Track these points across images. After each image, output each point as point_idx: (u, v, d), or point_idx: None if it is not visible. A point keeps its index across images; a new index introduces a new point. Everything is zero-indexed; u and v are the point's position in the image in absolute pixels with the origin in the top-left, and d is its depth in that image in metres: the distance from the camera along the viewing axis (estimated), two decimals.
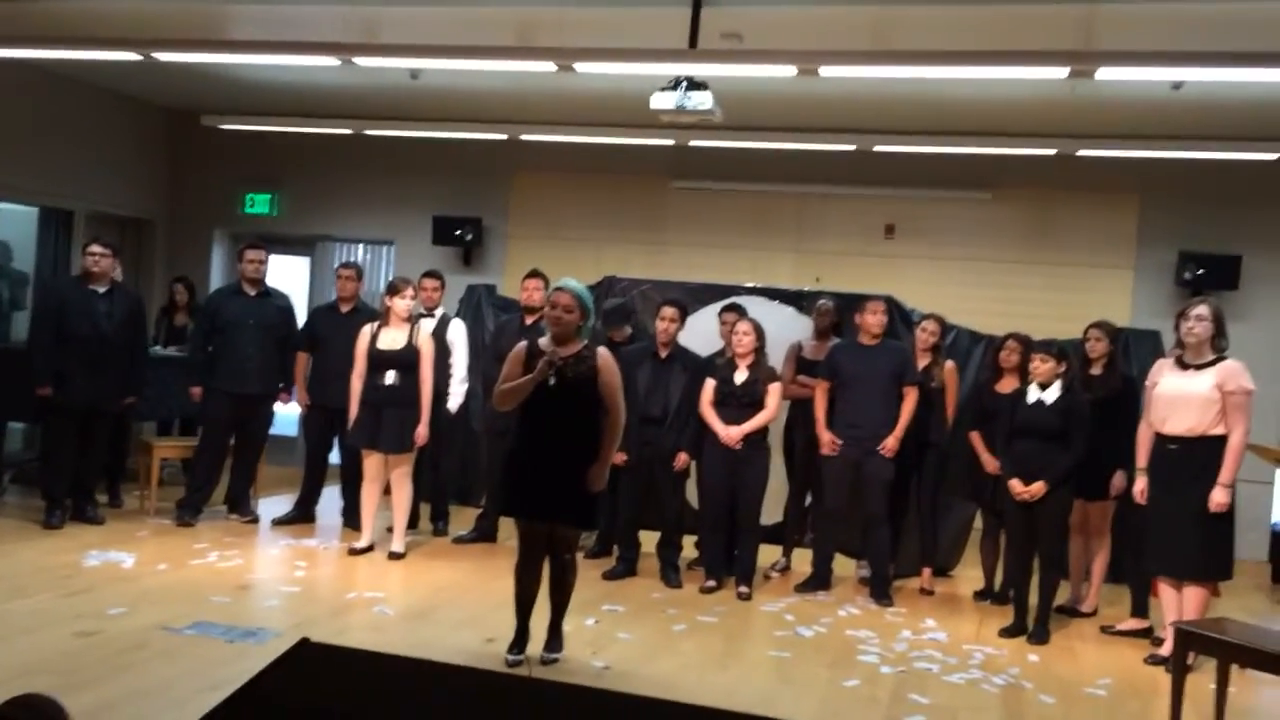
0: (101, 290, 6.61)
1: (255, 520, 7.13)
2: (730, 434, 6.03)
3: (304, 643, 2.77)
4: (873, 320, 6.27)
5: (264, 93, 8.92)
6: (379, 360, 6.37)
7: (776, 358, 6.44)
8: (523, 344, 4.65)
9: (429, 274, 7.11)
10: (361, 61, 6.76)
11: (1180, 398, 5.11)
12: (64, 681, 3.92)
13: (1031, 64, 5.66)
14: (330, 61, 6.94)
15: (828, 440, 6.24)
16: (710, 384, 6.16)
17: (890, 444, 6.13)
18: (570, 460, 4.49)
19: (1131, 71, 5.83)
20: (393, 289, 6.49)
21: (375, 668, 2.93)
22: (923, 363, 6.44)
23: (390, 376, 6.36)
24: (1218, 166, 8.06)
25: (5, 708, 2.26)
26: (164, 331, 8.33)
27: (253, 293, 7.05)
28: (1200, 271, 8.11)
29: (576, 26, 6.04)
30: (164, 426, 8.19)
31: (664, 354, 6.32)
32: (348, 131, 9.46)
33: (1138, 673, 5.21)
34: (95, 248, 6.64)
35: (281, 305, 7.25)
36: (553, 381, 4.42)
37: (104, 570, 5.70)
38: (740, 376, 6.11)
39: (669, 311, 6.34)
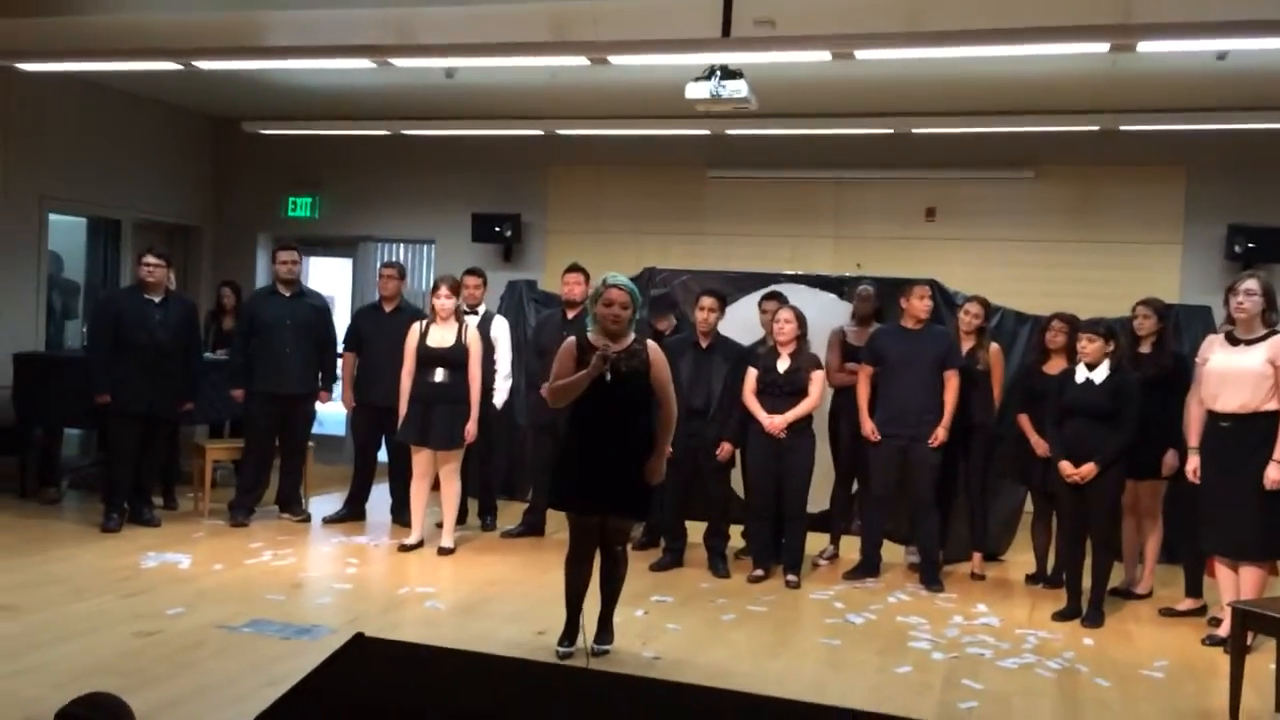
0: (157, 300, 6.75)
1: (307, 519, 7.24)
2: (774, 423, 6.01)
3: (359, 638, 2.80)
4: (920, 305, 6.22)
5: (303, 97, 9.02)
6: (428, 357, 6.45)
7: (818, 345, 6.42)
8: (572, 339, 4.67)
9: (470, 271, 7.16)
10: (397, 62, 6.81)
11: (1231, 374, 5.03)
12: (125, 681, 4.00)
13: (1071, 40, 5.57)
14: (366, 64, 6.99)
15: (869, 429, 6.22)
16: (752, 373, 6.15)
17: (940, 434, 6.09)
18: (625, 453, 4.52)
19: (1174, 44, 5.72)
20: (435, 288, 6.57)
21: (430, 661, 2.96)
22: (967, 345, 6.39)
23: (439, 374, 6.44)
24: (1265, 137, 7.88)
25: (72, 706, 2.32)
26: (213, 335, 8.47)
27: (288, 293, 7.14)
28: (1250, 245, 7.94)
29: (609, 19, 6.03)
30: (215, 429, 8.33)
31: (705, 344, 6.32)
32: (385, 132, 9.54)
33: (1195, 654, 5.14)
34: (150, 258, 6.78)
35: (317, 305, 7.34)
36: (609, 377, 4.44)
37: (161, 571, 5.81)
38: (783, 365, 6.09)
39: (708, 301, 6.33)
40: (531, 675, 2.98)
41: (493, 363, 7.00)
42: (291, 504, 7.27)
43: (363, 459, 7.37)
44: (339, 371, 7.39)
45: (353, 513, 7.32)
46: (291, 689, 2.60)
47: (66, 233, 9.29)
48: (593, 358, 4.44)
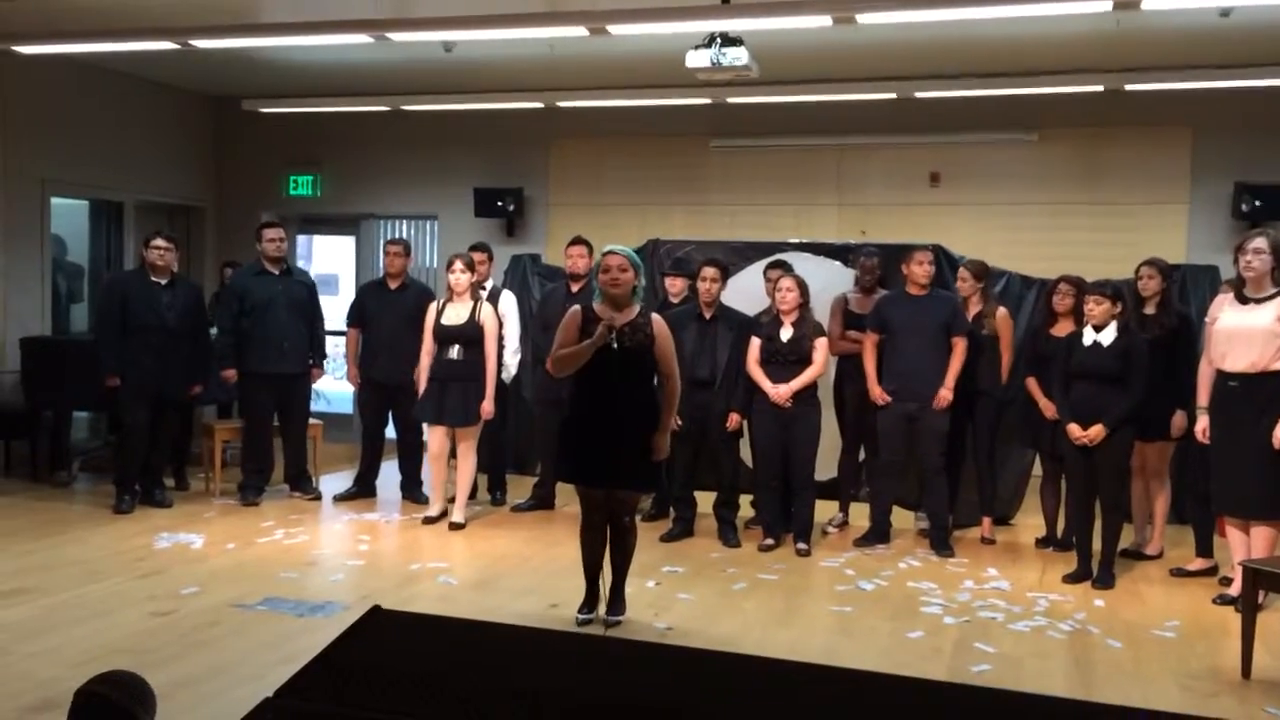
0: (163, 283, 6.75)
1: (317, 497, 7.26)
2: (780, 392, 6.01)
3: (375, 610, 2.83)
4: (919, 270, 6.19)
5: (302, 74, 8.98)
6: (443, 335, 6.49)
7: (822, 313, 6.40)
8: (576, 308, 4.68)
9: (476, 248, 7.12)
10: (395, 37, 6.76)
11: (1240, 332, 5.01)
12: (142, 660, 4.03)
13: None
14: (364, 39, 6.94)
15: (878, 394, 6.21)
16: (756, 342, 6.14)
17: (944, 394, 6.08)
18: (630, 426, 4.52)
19: (1178, 1, 5.66)
20: (450, 264, 6.58)
21: (446, 631, 2.99)
22: (973, 311, 6.36)
23: (454, 351, 6.47)
24: (1272, 94, 7.80)
25: (92, 684, 2.34)
26: (217, 316, 8.45)
27: (276, 271, 7.12)
28: (1257, 203, 7.90)
29: None
30: (224, 409, 8.35)
31: (708, 314, 6.30)
32: (385, 108, 9.49)
33: (1206, 613, 5.15)
34: (159, 241, 6.78)
35: (306, 282, 7.37)
36: (615, 346, 4.44)
37: (175, 551, 5.84)
38: (786, 333, 6.08)
39: (710, 271, 6.31)
40: (546, 643, 3.01)
41: (501, 338, 7.00)
42: (302, 482, 7.30)
43: (370, 436, 7.39)
44: (331, 348, 7.38)
45: (363, 490, 7.35)
46: (311, 661, 2.63)
47: (69, 216, 9.28)
48: (598, 328, 4.44)
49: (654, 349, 4.56)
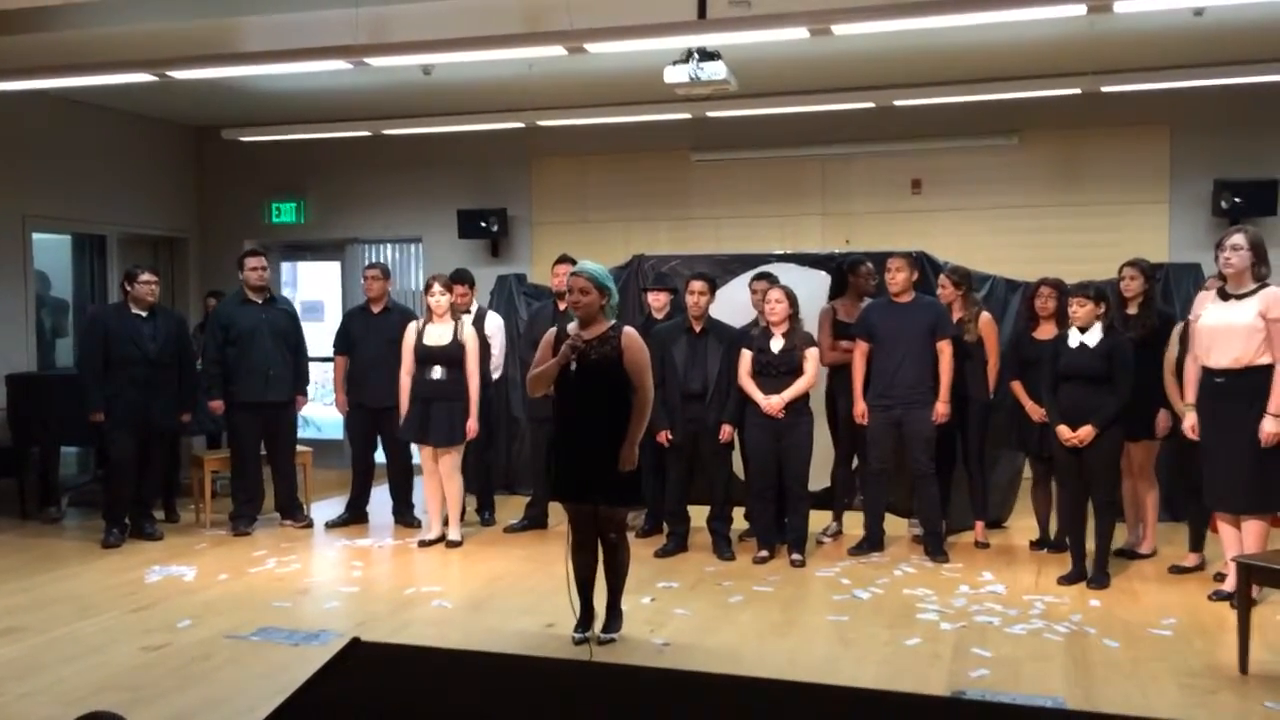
0: (144, 314, 6.74)
1: (309, 524, 7.23)
2: (771, 403, 6.01)
3: (355, 643, 2.78)
4: (889, 279, 6.23)
5: (281, 102, 8.98)
6: (425, 356, 6.52)
7: (810, 324, 6.42)
8: (552, 330, 4.74)
9: (457, 279, 6.96)
10: (373, 62, 6.76)
11: (1223, 329, 5.03)
12: (135, 696, 4.00)
13: (1047, 3, 5.54)
14: (342, 65, 6.94)
15: (860, 411, 6.24)
16: (747, 355, 6.15)
17: (941, 409, 6.11)
18: (604, 441, 4.52)
19: (1150, 2, 5.70)
20: (428, 286, 6.63)
21: (428, 662, 2.94)
22: (955, 317, 6.38)
23: (437, 371, 6.51)
24: (1248, 91, 7.87)
25: None
26: (204, 346, 8.43)
27: (260, 300, 7.12)
28: (1237, 199, 7.95)
29: (583, 7, 6.00)
30: (212, 440, 8.31)
31: (698, 328, 6.31)
32: (366, 133, 9.49)
33: (1202, 610, 5.16)
34: (147, 276, 6.80)
35: (288, 310, 7.37)
36: (574, 366, 4.45)
37: (167, 584, 5.80)
38: (776, 345, 6.09)
39: (697, 285, 6.32)
40: (530, 672, 2.97)
41: (488, 359, 7.00)
42: (292, 510, 7.26)
43: (360, 461, 7.37)
44: (319, 374, 7.37)
45: (354, 516, 7.32)
46: (287, 699, 2.58)
47: (52, 251, 9.25)
48: (563, 346, 4.48)
49: (623, 361, 4.55)
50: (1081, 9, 5.63)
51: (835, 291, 6.85)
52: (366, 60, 6.65)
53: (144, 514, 6.89)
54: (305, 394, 7.40)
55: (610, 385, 4.54)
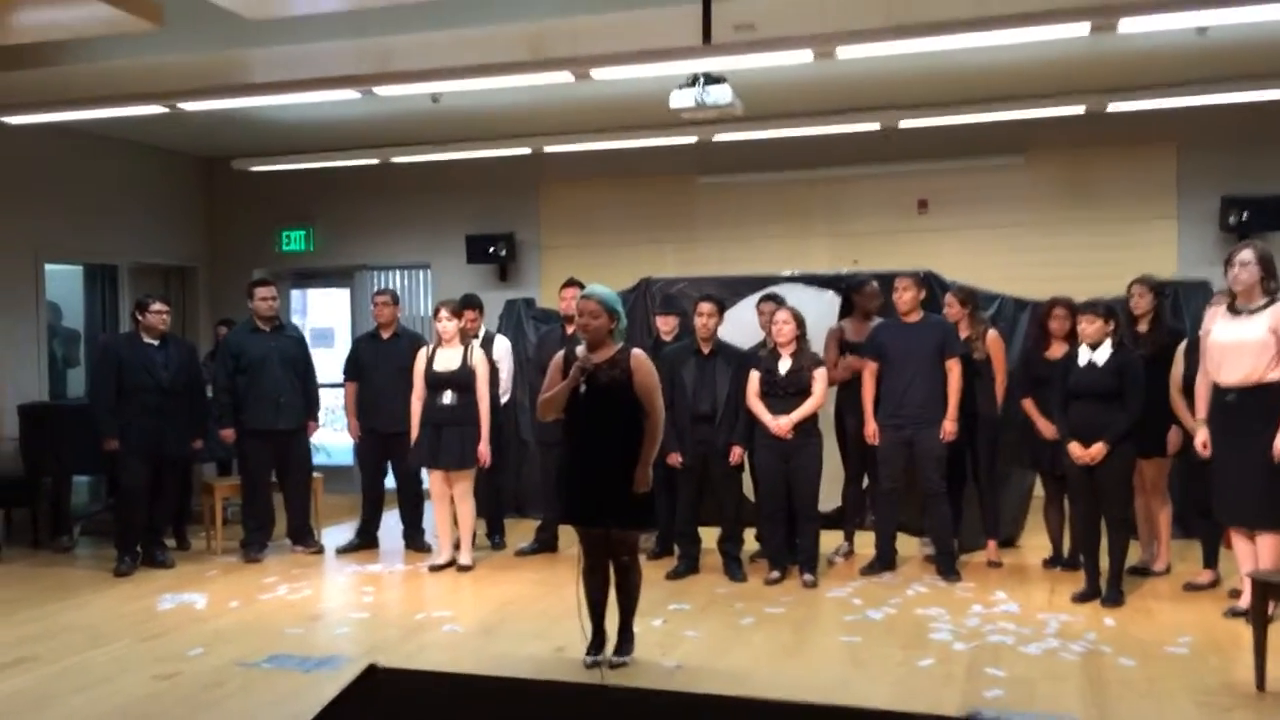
0: (156, 343, 6.78)
1: (320, 550, 7.23)
2: (780, 424, 6.01)
3: (371, 669, 2.79)
4: (899, 298, 6.24)
5: (290, 131, 9.05)
6: (436, 381, 6.54)
7: (818, 344, 6.42)
8: (560, 353, 4.73)
9: (466, 304, 7.04)
10: (381, 91, 6.83)
11: (1234, 345, 5.02)
12: None
13: (1050, 23, 5.57)
14: (351, 94, 7.02)
15: (871, 432, 6.24)
16: (755, 376, 6.15)
17: (949, 427, 6.10)
18: (616, 464, 4.52)
19: (1152, 20, 5.72)
20: (436, 312, 6.67)
21: (444, 688, 2.95)
22: (962, 335, 6.38)
23: (448, 396, 6.53)
24: (1253, 107, 7.87)
25: None
26: (214, 375, 8.45)
27: (269, 329, 7.16)
28: (1245, 215, 7.95)
29: (589, 34, 6.04)
30: (223, 467, 8.33)
31: (706, 350, 6.31)
32: (375, 161, 9.56)
33: (1218, 627, 5.12)
34: (159, 305, 6.85)
35: (297, 337, 7.42)
36: (584, 389, 4.46)
37: (178, 612, 5.80)
38: (784, 366, 6.09)
39: (706, 307, 6.34)
40: (543, 696, 2.97)
41: (497, 383, 7.02)
42: (304, 536, 7.27)
43: (371, 487, 7.37)
44: (331, 399, 7.39)
45: (365, 541, 7.32)
46: None
47: (64, 281, 9.32)
48: (572, 369, 4.47)
49: (632, 384, 4.55)
50: (1085, 28, 5.66)
51: (845, 312, 6.86)
52: (374, 89, 6.72)
53: (156, 542, 6.90)
54: (317, 420, 7.42)
55: (621, 408, 4.54)
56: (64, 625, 5.56)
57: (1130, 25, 5.69)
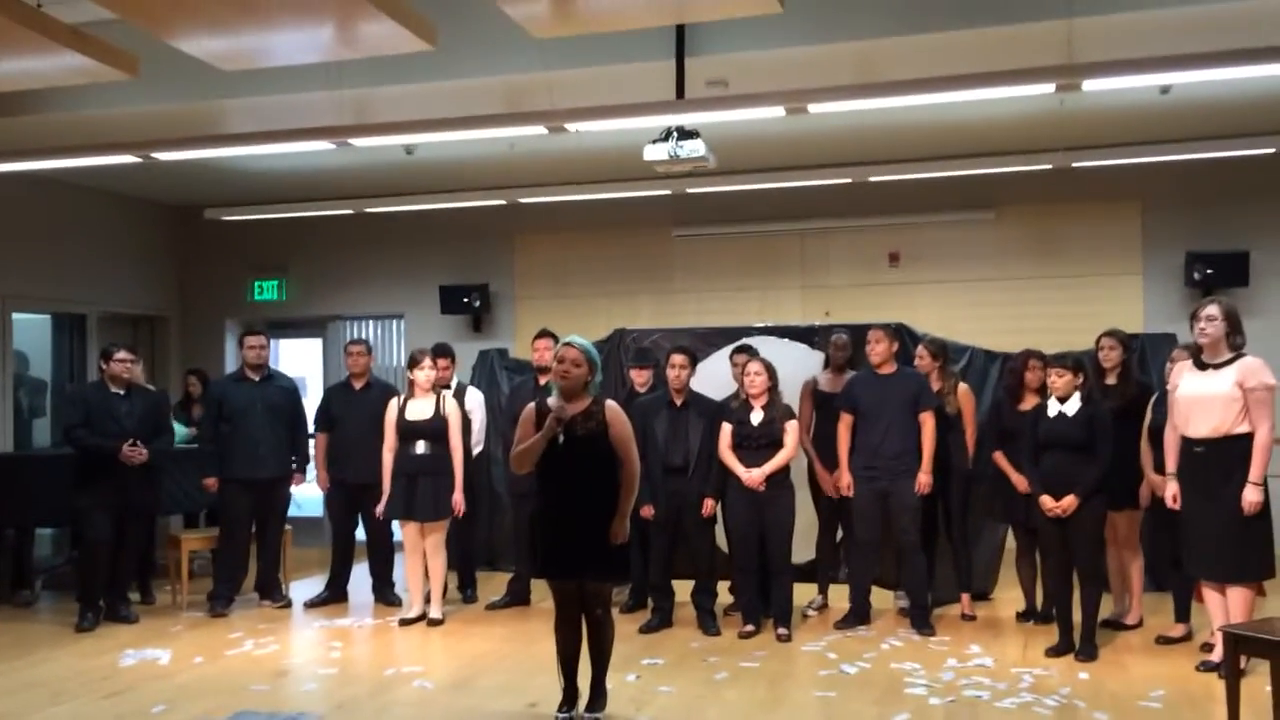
0: (122, 393, 6.71)
1: (288, 604, 7.12)
2: (753, 476, 6.00)
3: None
4: (871, 350, 6.29)
5: (264, 181, 9.06)
6: (409, 431, 6.49)
7: (791, 396, 6.43)
8: (531, 405, 4.69)
9: (439, 353, 7.01)
10: (356, 142, 6.85)
11: (1201, 399, 5.07)
12: None
13: (1016, 83, 5.68)
14: (325, 145, 7.04)
15: (846, 483, 6.26)
16: (727, 428, 6.15)
17: (924, 479, 6.12)
18: (591, 516, 4.49)
19: (1116, 81, 5.85)
20: (412, 361, 6.61)
21: None
22: (934, 388, 6.41)
23: (421, 446, 6.48)
24: (1216, 165, 8.05)
25: None
26: (201, 424, 8.35)
27: (256, 378, 7.12)
28: (1209, 271, 8.08)
29: (564, 88, 6.12)
30: (190, 519, 8.21)
31: (679, 401, 6.32)
32: (349, 211, 9.57)
33: (1191, 681, 5.12)
34: (123, 354, 6.76)
35: (286, 387, 7.33)
36: (561, 440, 4.44)
37: (141, 668, 5.68)
38: (756, 417, 6.10)
39: (678, 359, 6.35)
40: None
41: (469, 435, 6.98)
42: (271, 590, 7.15)
43: (340, 539, 7.29)
44: (311, 452, 7.32)
45: (334, 595, 7.21)
46: None
47: (31, 330, 9.22)
48: (547, 420, 4.45)
49: (608, 435, 4.54)
50: (1050, 88, 5.77)
51: (828, 363, 6.87)
52: (350, 140, 6.74)
53: (119, 596, 6.76)
54: (303, 471, 7.32)
55: (597, 460, 4.52)
56: (24, 682, 5.43)
57: (1094, 85, 5.82)
